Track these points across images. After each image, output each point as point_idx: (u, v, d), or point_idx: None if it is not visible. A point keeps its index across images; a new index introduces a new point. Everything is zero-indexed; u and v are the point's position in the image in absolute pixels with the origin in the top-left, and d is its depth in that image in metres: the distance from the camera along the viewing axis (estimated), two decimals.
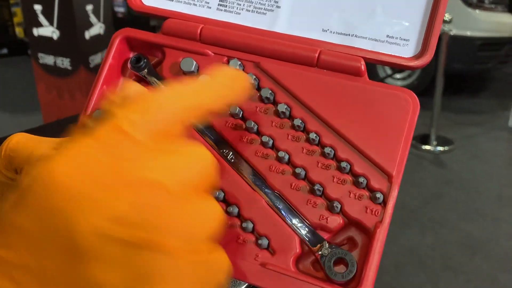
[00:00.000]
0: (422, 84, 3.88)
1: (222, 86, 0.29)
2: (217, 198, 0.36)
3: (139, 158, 0.23)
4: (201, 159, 0.25)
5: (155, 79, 0.40)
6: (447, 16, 2.86)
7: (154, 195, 0.22)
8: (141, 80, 0.41)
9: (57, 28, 2.76)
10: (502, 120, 3.63)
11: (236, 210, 0.35)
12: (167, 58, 0.40)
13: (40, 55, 2.90)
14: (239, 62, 0.38)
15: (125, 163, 0.22)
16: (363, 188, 0.35)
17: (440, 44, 2.94)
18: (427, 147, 3.10)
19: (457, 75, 3.98)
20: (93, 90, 0.39)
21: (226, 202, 0.36)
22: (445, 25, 2.87)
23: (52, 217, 0.21)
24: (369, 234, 0.34)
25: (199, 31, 0.39)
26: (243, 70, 0.38)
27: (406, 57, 0.38)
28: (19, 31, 5.53)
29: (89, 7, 2.73)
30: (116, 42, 0.40)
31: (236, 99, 0.29)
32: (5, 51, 5.45)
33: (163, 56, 0.40)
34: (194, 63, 0.39)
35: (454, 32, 3.03)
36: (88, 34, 2.76)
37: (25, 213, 0.22)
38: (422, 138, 3.17)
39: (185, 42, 0.40)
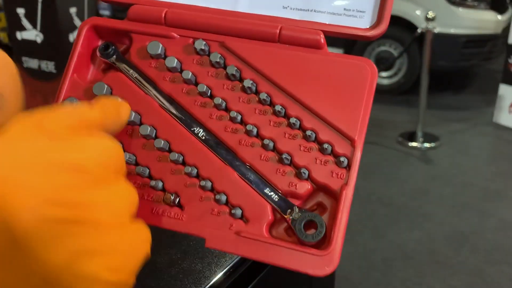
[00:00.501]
0: (408, 82, 3.94)
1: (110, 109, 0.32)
2: (189, 174, 0.37)
3: (58, 145, 0.25)
4: (109, 145, 0.28)
5: (125, 66, 0.41)
6: (430, 14, 2.91)
7: (78, 176, 0.24)
8: (111, 67, 0.42)
9: (41, 31, 2.73)
10: (487, 115, 3.70)
11: (209, 184, 0.36)
12: (134, 44, 0.41)
13: (24, 59, 2.86)
14: (204, 42, 0.39)
15: (46, 150, 0.24)
16: (329, 154, 0.36)
17: (424, 41, 2.99)
18: (414, 144, 3.13)
19: (442, 72, 4.05)
20: (64, 79, 0.40)
21: (199, 177, 0.37)
22: (429, 23, 2.92)
23: None
24: (336, 197, 0.35)
25: (163, 15, 0.40)
26: (209, 50, 0.40)
27: (363, 28, 0.39)
28: (3, 36, 5.50)
29: (73, 10, 2.72)
30: (84, 30, 0.41)
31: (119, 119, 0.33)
32: None
33: (131, 42, 0.41)
34: (161, 46, 0.40)
35: (438, 29, 3.08)
36: (72, 37, 2.73)
37: None
38: (409, 135, 3.21)
39: (151, 27, 0.41)
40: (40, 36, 2.76)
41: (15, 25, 2.79)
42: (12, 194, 0.22)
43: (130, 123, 0.39)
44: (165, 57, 0.40)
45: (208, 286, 0.48)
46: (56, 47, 2.72)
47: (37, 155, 0.24)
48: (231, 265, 0.51)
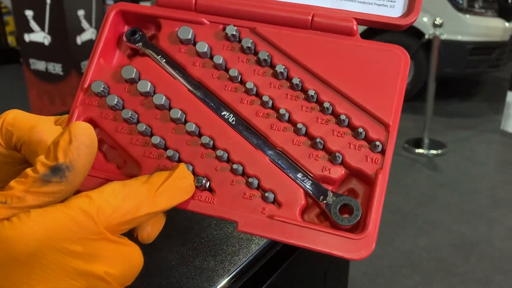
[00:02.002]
0: (415, 88, 3.93)
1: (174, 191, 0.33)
2: (220, 158, 0.36)
3: (96, 245, 0.28)
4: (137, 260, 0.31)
5: (151, 51, 0.41)
6: (438, 20, 2.91)
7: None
8: (136, 54, 0.42)
9: (49, 33, 2.75)
10: (494, 123, 3.69)
11: (240, 168, 0.36)
12: (164, 29, 0.41)
13: (31, 60, 2.88)
14: (235, 28, 0.39)
15: (83, 247, 0.27)
16: (362, 139, 0.36)
17: (431, 48, 2.99)
18: (420, 150, 3.13)
19: (448, 79, 4.04)
20: (90, 64, 0.40)
21: (229, 161, 0.37)
22: (436, 29, 2.92)
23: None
24: (370, 183, 0.34)
25: (194, 1, 0.40)
26: (239, 36, 0.39)
27: (394, 17, 0.39)
28: (11, 40, 5.55)
29: (81, 12, 2.73)
30: (111, 15, 0.41)
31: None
32: None
33: (159, 29, 0.41)
34: (191, 31, 0.39)
35: (445, 36, 3.08)
36: (79, 39, 2.75)
37: None
38: (415, 142, 3.20)
39: (181, 13, 0.41)
40: (48, 38, 2.77)
41: (23, 27, 2.81)
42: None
43: (160, 107, 0.38)
44: (195, 42, 0.40)
45: (220, 285, 0.47)
46: (63, 49, 2.73)
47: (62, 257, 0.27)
48: (245, 263, 0.50)
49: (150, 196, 0.31)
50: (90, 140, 0.30)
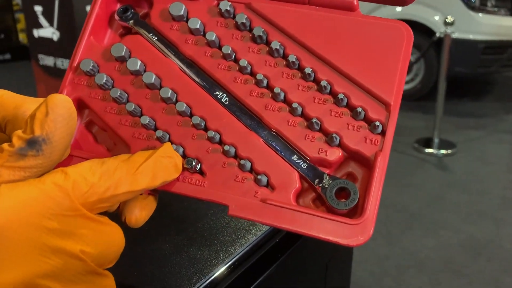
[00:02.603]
0: (425, 87, 3.88)
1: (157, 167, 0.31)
2: (211, 139, 0.35)
3: (71, 222, 0.27)
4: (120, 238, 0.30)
5: (144, 30, 0.39)
6: (449, 19, 2.87)
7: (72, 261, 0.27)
8: (129, 32, 0.40)
9: (57, 29, 2.75)
10: (505, 123, 3.62)
11: (233, 150, 0.34)
12: (155, 6, 0.39)
13: (40, 56, 2.89)
14: (229, 3, 0.37)
15: (58, 223, 0.26)
16: (361, 120, 0.34)
17: (442, 47, 2.95)
18: (430, 150, 3.08)
19: (459, 78, 3.98)
20: (80, 41, 0.38)
21: (221, 143, 0.35)
22: (448, 28, 2.88)
23: None
24: (369, 166, 0.32)
25: None
26: (234, 11, 0.38)
27: None
28: (22, 37, 5.60)
29: (89, 8, 2.74)
30: None
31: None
32: (8, 56, 5.54)
33: (151, 7, 0.40)
34: (184, 7, 0.38)
35: (456, 35, 3.03)
36: None
37: None
38: (425, 142, 3.16)
39: None
40: (56, 34, 2.78)
41: (32, 22, 2.82)
42: None
43: (150, 86, 0.37)
44: (188, 19, 0.38)
45: (214, 275, 0.45)
46: (72, 45, 2.73)
47: (35, 231, 0.25)
48: (241, 254, 0.48)
49: (130, 174, 0.29)
50: (68, 113, 0.28)
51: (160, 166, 0.31)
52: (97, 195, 0.28)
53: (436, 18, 3.64)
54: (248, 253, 0.48)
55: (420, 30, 3.68)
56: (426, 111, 3.71)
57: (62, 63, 2.81)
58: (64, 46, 2.78)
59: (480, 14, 3.64)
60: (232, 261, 0.46)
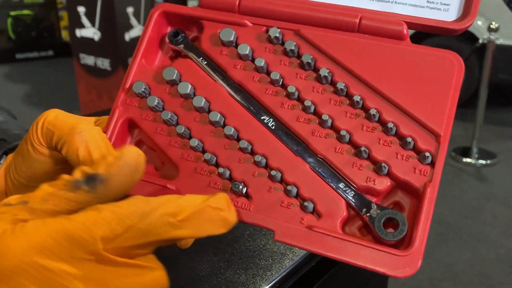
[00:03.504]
0: (465, 94, 3.77)
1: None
2: (258, 164, 0.35)
3: (93, 268, 0.25)
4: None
5: (192, 53, 0.40)
6: (494, 24, 2.78)
7: None
8: (178, 55, 0.41)
9: (99, 29, 2.84)
10: None
11: (279, 175, 0.35)
12: (206, 30, 0.40)
13: (81, 55, 2.99)
14: (279, 30, 0.38)
15: (77, 268, 0.25)
16: (410, 149, 0.33)
17: (485, 53, 2.86)
18: (468, 160, 3.00)
19: (501, 86, 3.84)
20: (133, 63, 0.40)
21: (268, 167, 0.35)
22: (491, 34, 2.79)
23: None
24: (417, 196, 0.32)
25: (237, 2, 0.39)
26: (282, 38, 0.38)
27: (448, 20, 0.37)
28: (65, 34, 5.83)
29: (130, 10, 2.81)
30: (155, 16, 0.40)
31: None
32: (51, 53, 5.77)
33: (201, 31, 0.41)
34: (233, 33, 0.39)
35: (501, 41, 2.94)
36: (128, 36, 2.83)
37: None
38: (463, 151, 3.07)
39: (224, 14, 0.40)
40: (97, 34, 2.87)
41: (75, 22, 2.92)
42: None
43: (199, 109, 0.38)
44: (237, 45, 0.39)
45: None
46: (112, 45, 2.81)
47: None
48: (277, 279, 0.47)
49: (175, 221, 0.27)
50: (136, 165, 0.29)
51: (208, 218, 0.28)
52: (133, 240, 0.26)
53: (479, 23, 3.53)
54: (284, 278, 0.48)
55: (462, 35, 3.58)
56: (465, 119, 3.61)
57: (102, 62, 2.90)
58: (105, 46, 2.86)
59: None
60: (269, 286, 0.47)
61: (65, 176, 0.28)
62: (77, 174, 0.28)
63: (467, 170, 2.94)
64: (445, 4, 0.37)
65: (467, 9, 0.37)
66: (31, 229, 0.25)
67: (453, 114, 0.34)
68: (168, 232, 0.27)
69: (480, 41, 3.00)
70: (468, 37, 3.55)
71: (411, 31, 0.38)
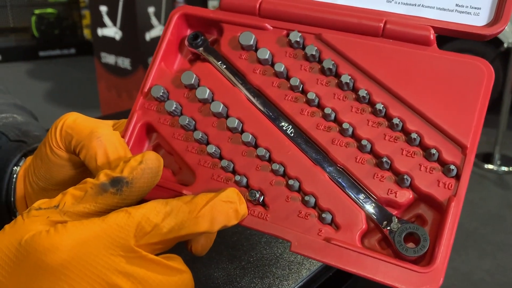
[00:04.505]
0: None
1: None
2: (276, 172, 0.34)
3: (131, 263, 0.27)
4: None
5: (213, 57, 0.39)
6: None
7: None
8: (198, 58, 0.40)
9: (120, 29, 2.88)
10: None
11: (297, 184, 0.34)
12: (226, 34, 0.39)
13: (102, 54, 3.02)
14: (299, 34, 0.37)
15: (117, 264, 0.27)
16: (435, 161, 0.32)
17: (509, 57, 2.80)
18: (490, 166, 2.92)
19: None
20: (152, 66, 0.39)
21: (285, 176, 0.34)
22: None
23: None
24: (441, 210, 0.31)
25: (258, 5, 0.39)
26: (303, 42, 0.37)
27: (478, 25, 0.35)
28: (87, 33, 5.92)
29: (151, 9, 2.83)
30: (175, 18, 0.40)
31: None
32: (73, 51, 5.87)
33: (221, 34, 0.40)
34: (253, 37, 0.38)
35: None
36: (148, 36, 2.85)
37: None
38: (484, 157, 3.00)
39: (244, 17, 0.39)
40: (118, 34, 2.89)
41: (97, 21, 2.96)
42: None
43: (217, 115, 0.37)
44: (257, 48, 0.38)
45: None
46: (132, 44, 2.84)
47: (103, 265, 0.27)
48: None
49: (192, 217, 0.30)
50: (156, 169, 0.31)
51: (221, 210, 0.31)
52: (160, 236, 0.28)
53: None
54: None
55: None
56: (487, 124, 3.48)
57: (123, 61, 2.93)
58: (125, 46, 2.89)
59: None
60: None
61: (90, 180, 0.30)
62: (102, 177, 0.30)
63: (488, 177, 2.87)
64: (475, 8, 0.36)
65: (499, 13, 0.35)
66: (73, 229, 0.27)
67: (481, 124, 0.32)
68: (188, 228, 0.29)
69: (505, 45, 2.93)
70: (493, 41, 3.47)
71: None
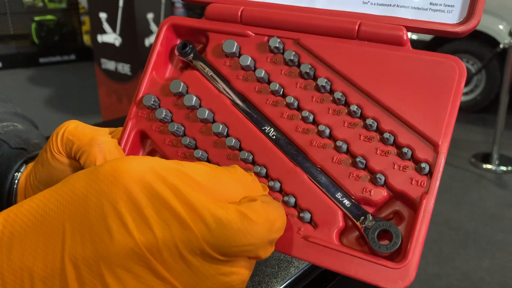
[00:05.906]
0: (486, 100, 3.70)
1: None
2: (258, 174, 0.36)
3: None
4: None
5: (201, 64, 0.41)
6: None
7: None
8: (188, 66, 0.42)
9: (120, 35, 2.90)
10: None
11: (278, 185, 0.35)
12: (211, 42, 0.41)
13: (102, 60, 3.05)
14: (278, 40, 0.38)
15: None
16: (408, 159, 0.33)
17: (506, 57, 2.81)
18: (488, 166, 2.93)
19: None
20: (144, 76, 0.41)
21: (268, 177, 0.36)
22: None
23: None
24: (414, 207, 0.32)
25: (239, 13, 0.40)
26: (283, 47, 0.39)
27: (451, 23, 0.36)
28: (86, 39, 5.96)
29: (150, 16, 2.84)
30: (164, 29, 0.41)
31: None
32: (73, 57, 5.92)
33: (207, 41, 0.42)
34: (235, 44, 0.39)
35: None
36: (148, 42, 2.86)
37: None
38: (483, 157, 3.01)
39: (227, 25, 0.40)
40: (118, 40, 2.92)
41: (97, 28, 2.98)
42: None
43: (204, 121, 0.38)
44: (240, 55, 0.40)
45: None
46: (132, 50, 2.86)
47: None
48: (282, 287, 0.47)
49: None
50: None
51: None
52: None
53: (501, 27, 3.47)
54: (290, 286, 0.48)
55: (482, 39, 3.52)
56: (485, 125, 3.53)
57: (123, 67, 2.95)
58: (125, 52, 2.91)
59: None
60: None
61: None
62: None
63: (487, 177, 2.88)
64: (449, 6, 0.36)
65: (471, 10, 0.35)
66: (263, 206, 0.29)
67: (453, 122, 0.33)
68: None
69: (501, 45, 2.94)
70: (490, 41, 3.49)
71: (429, 36, 0.37)
